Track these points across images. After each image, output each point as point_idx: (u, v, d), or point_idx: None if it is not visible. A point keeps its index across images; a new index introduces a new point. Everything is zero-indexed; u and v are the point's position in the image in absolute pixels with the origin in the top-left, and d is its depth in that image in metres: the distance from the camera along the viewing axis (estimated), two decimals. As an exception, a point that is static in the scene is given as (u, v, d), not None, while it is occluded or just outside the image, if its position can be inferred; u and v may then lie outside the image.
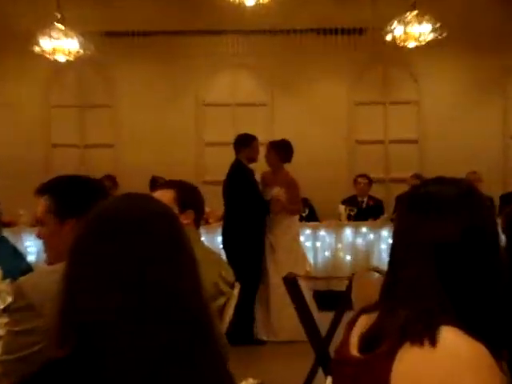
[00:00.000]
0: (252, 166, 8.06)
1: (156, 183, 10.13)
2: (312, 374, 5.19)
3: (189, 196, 3.66)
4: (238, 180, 7.88)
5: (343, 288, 5.54)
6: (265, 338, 7.70)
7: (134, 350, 1.44)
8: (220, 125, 11.37)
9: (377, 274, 4.72)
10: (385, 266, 1.80)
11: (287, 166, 7.99)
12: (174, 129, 11.31)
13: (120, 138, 11.43)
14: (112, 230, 1.53)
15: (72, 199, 2.64)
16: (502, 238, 3.16)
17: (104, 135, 11.46)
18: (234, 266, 7.36)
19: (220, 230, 8.83)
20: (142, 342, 1.45)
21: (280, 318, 7.57)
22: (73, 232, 1.61)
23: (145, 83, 11.41)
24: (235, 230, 7.76)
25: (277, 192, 7.72)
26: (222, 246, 7.99)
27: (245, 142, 8.10)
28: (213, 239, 9.14)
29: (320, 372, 5.04)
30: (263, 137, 10.31)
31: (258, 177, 8.12)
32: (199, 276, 1.59)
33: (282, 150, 7.80)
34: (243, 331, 7.56)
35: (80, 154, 11.46)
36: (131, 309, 1.46)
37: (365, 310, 1.82)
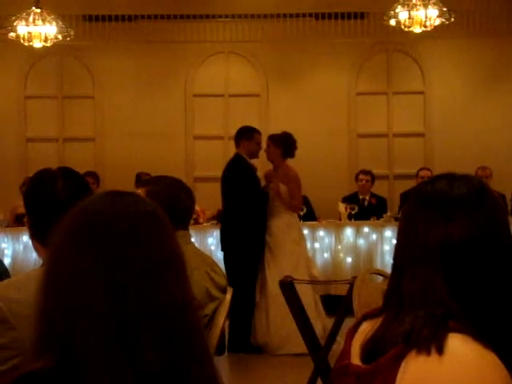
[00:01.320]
0: (255, 162, 8.02)
1: (140, 179, 10.14)
2: (311, 385, 5.21)
3: (163, 194, 3.65)
4: (236, 176, 7.84)
5: (343, 292, 5.55)
6: (262, 347, 7.68)
7: (117, 367, 1.44)
8: (210, 117, 11.38)
9: (380, 278, 4.74)
10: (388, 269, 1.80)
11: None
12: (160, 121, 11.31)
13: (102, 131, 11.42)
14: (93, 234, 1.52)
15: None
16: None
17: (85, 128, 11.45)
18: (232, 269, 7.47)
19: (211, 231, 8.84)
20: (125, 359, 1.45)
21: (280, 331, 7.50)
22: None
23: (129, 72, 11.40)
24: (233, 230, 7.75)
25: (275, 184, 7.67)
26: (220, 247, 8.02)
27: (245, 135, 8.06)
28: (203, 240, 9.16)
29: (319, 383, 5.06)
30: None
31: (261, 175, 8.11)
32: (189, 284, 1.59)
33: (282, 144, 7.72)
34: (240, 338, 7.58)
35: (58, 149, 11.44)
36: (114, 323, 1.46)
37: (367, 317, 1.81)
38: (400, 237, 1.77)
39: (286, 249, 7.59)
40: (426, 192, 1.76)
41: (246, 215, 7.65)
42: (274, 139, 7.82)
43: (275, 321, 7.50)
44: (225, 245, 7.88)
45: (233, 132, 11.21)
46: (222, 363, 6.08)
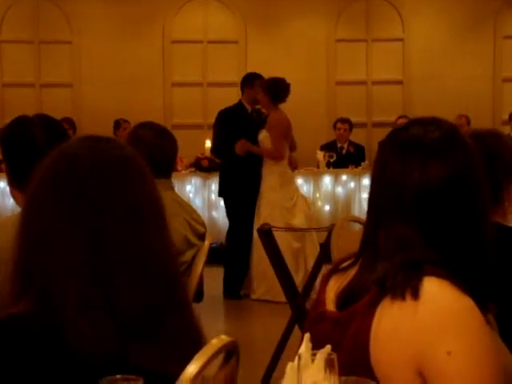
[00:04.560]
0: None
1: (120, 127, 10.10)
2: (288, 331, 5.25)
3: (146, 140, 3.63)
4: (225, 121, 7.89)
5: (322, 240, 5.57)
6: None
7: (94, 312, 1.44)
8: (189, 64, 11.28)
9: (358, 225, 4.75)
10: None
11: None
12: (138, 68, 11.19)
13: (80, 78, 11.30)
14: (70, 178, 1.51)
15: None
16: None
17: (62, 74, 11.32)
18: (230, 216, 7.59)
19: (189, 178, 8.92)
20: (101, 303, 1.45)
21: (257, 275, 7.58)
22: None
23: (107, 18, 11.25)
24: (229, 178, 7.87)
25: (262, 137, 7.63)
26: (218, 193, 8.21)
27: (247, 82, 8.06)
28: (181, 188, 9.17)
29: (297, 329, 5.10)
30: (235, 77, 10.26)
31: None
32: (167, 230, 1.59)
33: (269, 90, 7.63)
34: (232, 284, 7.73)
35: (35, 95, 11.32)
36: (92, 268, 1.46)
37: (342, 262, 1.81)
38: (374, 184, 1.75)
39: (263, 196, 7.61)
40: (400, 137, 1.74)
41: (237, 160, 7.67)
42: (263, 84, 7.74)
43: (257, 268, 7.55)
44: (222, 190, 8.01)
45: (211, 79, 11.23)
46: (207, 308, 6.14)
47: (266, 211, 7.52)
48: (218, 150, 8.07)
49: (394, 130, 1.80)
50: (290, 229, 7.31)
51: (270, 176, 7.63)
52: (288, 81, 7.67)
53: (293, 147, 7.96)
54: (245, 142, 7.61)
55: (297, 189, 7.96)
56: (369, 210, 1.77)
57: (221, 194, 8.10)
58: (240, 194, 7.73)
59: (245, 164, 7.63)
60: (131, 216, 1.52)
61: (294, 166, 8.19)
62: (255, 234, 7.21)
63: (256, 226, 7.25)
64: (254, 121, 7.92)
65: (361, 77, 11.52)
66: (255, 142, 7.67)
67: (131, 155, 1.60)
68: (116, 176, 1.54)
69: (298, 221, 7.56)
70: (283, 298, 6.55)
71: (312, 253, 7.20)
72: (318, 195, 9.43)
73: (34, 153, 2.44)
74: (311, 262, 6.65)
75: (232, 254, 7.76)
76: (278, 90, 7.59)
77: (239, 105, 8.01)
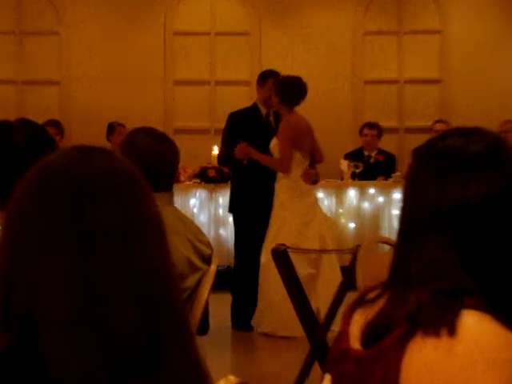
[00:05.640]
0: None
1: (114, 131, 10.12)
2: (306, 368, 5.25)
3: (142, 148, 3.66)
4: (236, 125, 7.89)
5: (345, 263, 5.58)
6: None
7: (84, 347, 1.45)
8: (194, 59, 11.31)
9: (387, 247, 4.77)
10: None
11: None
12: (136, 63, 11.23)
13: (68, 74, 11.35)
14: (58, 194, 1.52)
15: None
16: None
17: (48, 69, 11.38)
18: (239, 235, 7.57)
19: (193, 191, 8.94)
20: (93, 336, 1.46)
21: (264, 304, 7.55)
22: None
23: (100, 5, 11.31)
24: (240, 191, 7.89)
25: (272, 145, 7.59)
26: (228, 208, 8.21)
27: (259, 80, 8.08)
28: (184, 201, 9.19)
29: (316, 366, 5.11)
30: (246, 74, 10.31)
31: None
32: (167, 250, 1.60)
33: (282, 90, 7.56)
34: (241, 314, 7.72)
35: (16, 93, 11.37)
36: (82, 292, 1.47)
37: (368, 292, 1.82)
38: (406, 200, 1.77)
39: (273, 213, 7.58)
40: (436, 149, 1.76)
41: (249, 171, 7.68)
42: (275, 83, 7.71)
43: (264, 296, 7.52)
44: (234, 206, 8.03)
45: (219, 76, 11.26)
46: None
47: (273, 231, 7.49)
48: (226, 158, 8.05)
49: (429, 140, 1.82)
50: (308, 250, 7.26)
51: (279, 190, 7.60)
52: (305, 80, 7.59)
53: (317, 158, 7.89)
54: (245, 146, 7.58)
55: (313, 205, 7.80)
56: (399, 230, 1.78)
57: (231, 209, 8.10)
58: (252, 211, 7.72)
59: (259, 175, 7.62)
60: (127, 235, 1.53)
61: (310, 181, 7.98)
62: (263, 257, 7.22)
63: (264, 248, 7.26)
64: (269, 126, 7.90)
65: (392, 75, 11.53)
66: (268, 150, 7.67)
67: (127, 168, 1.61)
68: (110, 192, 1.55)
69: (310, 244, 7.40)
70: (293, 333, 6.56)
71: (330, 280, 7.15)
72: (340, 211, 9.44)
73: (15, 165, 2.46)
74: (326, 291, 6.65)
75: (241, 279, 7.75)
76: (290, 90, 7.51)
77: (253, 107, 8.01)
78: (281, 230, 7.44)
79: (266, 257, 7.11)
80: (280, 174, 7.57)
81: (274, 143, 7.59)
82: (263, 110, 7.94)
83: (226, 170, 8.84)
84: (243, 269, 7.76)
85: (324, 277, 7.44)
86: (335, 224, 8.62)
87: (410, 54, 11.50)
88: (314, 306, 7.15)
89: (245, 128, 7.79)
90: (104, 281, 1.48)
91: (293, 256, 6.18)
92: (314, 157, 7.79)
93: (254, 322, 7.73)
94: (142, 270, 1.53)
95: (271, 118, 7.96)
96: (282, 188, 7.56)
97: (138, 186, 1.61)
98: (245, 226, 7.84)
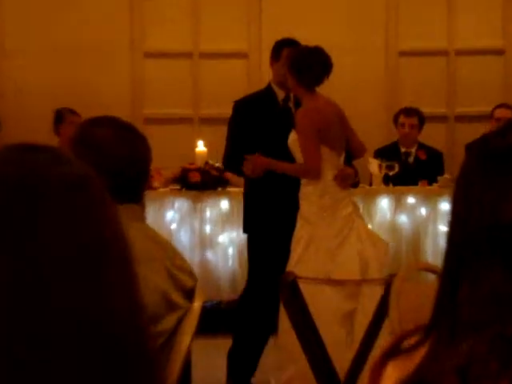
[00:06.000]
0: None
1: (63, 120, 10.14)
2: None
3: (102, 147, 3.69)
4: (246, 116, 7.79)
5: (376, 296, 5.61)
6: None
7: None
8: (170, 24, 11.32)
9: (432, 276, 4.79)
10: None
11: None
12: (93, 31, 11.27)
13: (3, 46, 11.40)
14: None
15: None
16: None
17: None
18: (254, 263, 7.59)
19: (170, 200, 8.93)
20: None
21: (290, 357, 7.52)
22: None
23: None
24: (257, 205, 7.81)
25: (290, 141, 7.44)
26: (243, 229, 8.12)
27: (274, 52, 7.91)
28: (159, 215, 9.20)
29: None
30: (243, 43, 10.33)
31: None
32: (135, 284, 1.61)
33: (296, 66, 7.37)
34: (240, 366, 7.68)
35: None
36: (16, 343, 1.48)
37: (405, 338, 1.83)
38: (455, 214, 1.77)
39: (296, 231, 7.41)
40: (494, 148, 1.75)
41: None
42: (288, 59, 7.54)
43: (286, 343, 7.46)
44: (249, 225, 7.95)
45: (205, 46, 11.26)
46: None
47: (295, 256, 7.36)
48: (235, 163, 7.82)
49: (485, 137, 1.81)
50: (326, 280, 7.20)
51: (303, 201, 7.47)
52: (326, 51, 7.48)
53: (356, 152, 7.79)
54: (256, 159, 7.47)
55: (351, 217, 7.57)
56: (446, 253, 1.78)
57: (246, 229, 8.00)
58: (271, 230, 7.63)
59: (279, 182, 7.51)
60: (79, 264, 1.54)
61: (347, 185, 7.68)
62: None
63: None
64: (288, 113, 7.76)
65: (438, 44, 11.55)
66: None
67: (81, 174, 1.61)
68: (57, 204, 1.56)
69: (344, 272, 7.28)
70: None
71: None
72: (370, 226, 9.45)
73: None
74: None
75: (247, 318, 7.68)
76: (306, 66, 7.42)
77: (267, 90, 7.89)
78: (305, 254, 7.35)
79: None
80: (303, 180, 7.45)
81: (292, 137, 7.40)
82: (280, 94, 7.81)
83: (227, 175, 8.83)
84: (253, 304, 7.68)
85: (363, 312, 7.29)
86: (386, 242, 8.20)
87: (462, 19, 11.52)
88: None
89: (257, 118, 7.68)
90: (46, 330, 1.48)
91: (325, 288, 6.19)
92: (351, 150, 7.67)
93: (271, 377, 7.67)
94: (99, 312, 1.53)
95: (291, 104, 7.84)
96: (308, 197, 7.41)
97: (94, 196, 1.61)
98: (263, 249, 7.72)
